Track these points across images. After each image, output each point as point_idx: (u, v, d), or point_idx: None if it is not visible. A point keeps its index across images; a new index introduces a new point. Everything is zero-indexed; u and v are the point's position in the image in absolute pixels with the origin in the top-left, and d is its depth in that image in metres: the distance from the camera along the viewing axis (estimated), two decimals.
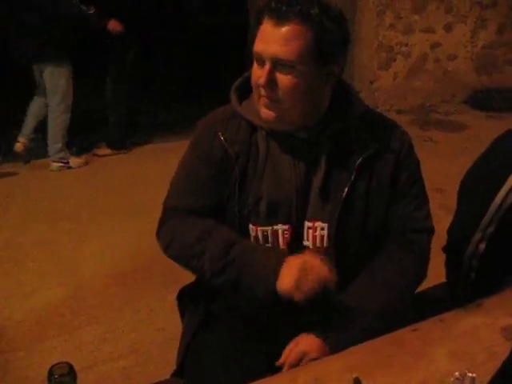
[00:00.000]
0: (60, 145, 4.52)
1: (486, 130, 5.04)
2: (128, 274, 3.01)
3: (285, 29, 1.20)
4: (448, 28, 5.72)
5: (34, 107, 4.58)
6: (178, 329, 1.59)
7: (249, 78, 1.38)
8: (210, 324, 1.46)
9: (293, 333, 1.33)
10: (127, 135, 4.92)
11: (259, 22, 1.25)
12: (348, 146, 1.33)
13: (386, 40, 5.52)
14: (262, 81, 1.24)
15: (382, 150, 1.35)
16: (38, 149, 4.70)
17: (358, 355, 1.19)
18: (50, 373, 0.97)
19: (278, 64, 1.22)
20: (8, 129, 4.93)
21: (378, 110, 1.52)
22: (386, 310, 1.33)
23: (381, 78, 5.64)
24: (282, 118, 1.28)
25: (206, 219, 1.35)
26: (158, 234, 1.42)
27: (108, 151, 4.80)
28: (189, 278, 1.57)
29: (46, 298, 2.82)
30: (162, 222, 1.42)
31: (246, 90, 1.39)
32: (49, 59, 4.24)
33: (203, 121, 1.43)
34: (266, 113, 1.28)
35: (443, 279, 1.85)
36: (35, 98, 4.58)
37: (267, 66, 1.23)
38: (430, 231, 1.43)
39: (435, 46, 5.73)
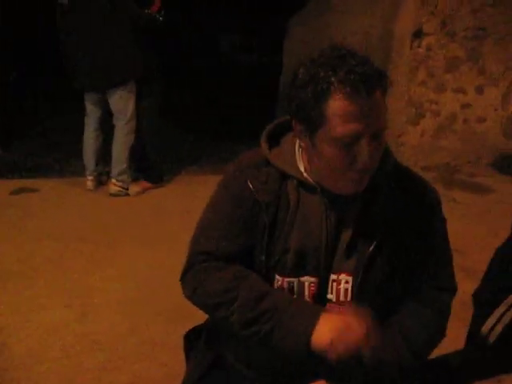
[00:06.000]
0: (124, 165, 4.42)
1: (510, 195, 4.99)
2: (136, 304, 2.96)
3: (374, 100, 1.14)
4: (479, 90, 5.72)
5: (90, 141, 4.47)
6: (181, 366, 1.55)
7: (281, 125, 1.37)
8: (217, 371, 1.41)
9: None
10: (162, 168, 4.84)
11: (323, 103, 1.15)
12: (379, 200, 1.30)
13: (417, 96, 5.53)
14: (366, 159, 1.17)
15: (411, 206, 1.32)
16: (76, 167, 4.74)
17: None
18: None
19: (375, 136, 1.18)
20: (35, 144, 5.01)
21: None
22: (401, 365, 1.28)
23: (408, 134, 5.64)
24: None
25: (235, 266, 1.31)
26: (183, 279, 1.37)
27: (148, 185, 4.67)
28: (197, 315, 1.53)
29: (51, 318, 2.78)
30: (189, 267, 1.36)
31: (275, 137, 1.37)
32: (120, 84, 4.20)
33: (232, 165, 1.39)
34: (355, 188, 1.24)
35: (460, 342, 1.78)
36: (88, 129, 4.46)
37: (367, 143, 1.16)
38: (453, 290, 1.40)
39: (465, 106, 5.73)
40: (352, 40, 5.53)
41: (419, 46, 5.35)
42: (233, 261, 1.32)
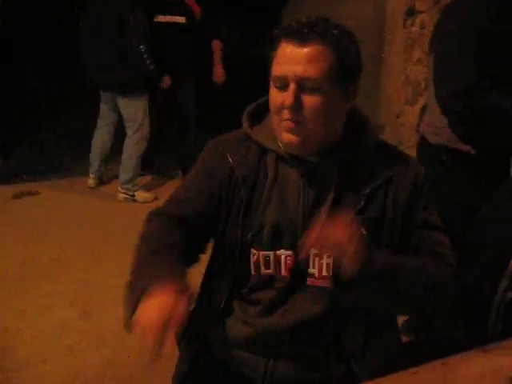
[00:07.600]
0: (130, 175, 4.34)
1: None
2: None
3: (308, 49, 1.21)
4: None
5: (98, 142, 4.46)
6: None
7: (262, 105, 1.39)
8: (204, 356, 1.44)
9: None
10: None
11: (276, 47, 1.26)
12: (359, 174, 1.31)
13: (414, 75, 5.49)
14: (288, 102, 1.22)
15: (396, 180, 1.32)
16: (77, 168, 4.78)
17: None
18: None
19: (303, 85, 1.22)
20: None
21: (403, 146, 1.49)
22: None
23: (407, 113, 5.59)
24: (305, 141, 1.26)
25: (166, 230, 1.33)
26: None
27: None
28: None
29: (55, 318, 2.82)
30: (144, 223, 1.40)
31: (258, 116, 1.40)
32: (126, 92, 4.20)
33: (213, 141, 1.43)
34: (290, 137, 1.26)
35: None
36: (98, 132, 4.46)
37: (292, 87, 1.22)
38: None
39: None
40: (346, 25, 5.47)
41: (412, 25, 5.30)
42: (185, 225, 1.34)
